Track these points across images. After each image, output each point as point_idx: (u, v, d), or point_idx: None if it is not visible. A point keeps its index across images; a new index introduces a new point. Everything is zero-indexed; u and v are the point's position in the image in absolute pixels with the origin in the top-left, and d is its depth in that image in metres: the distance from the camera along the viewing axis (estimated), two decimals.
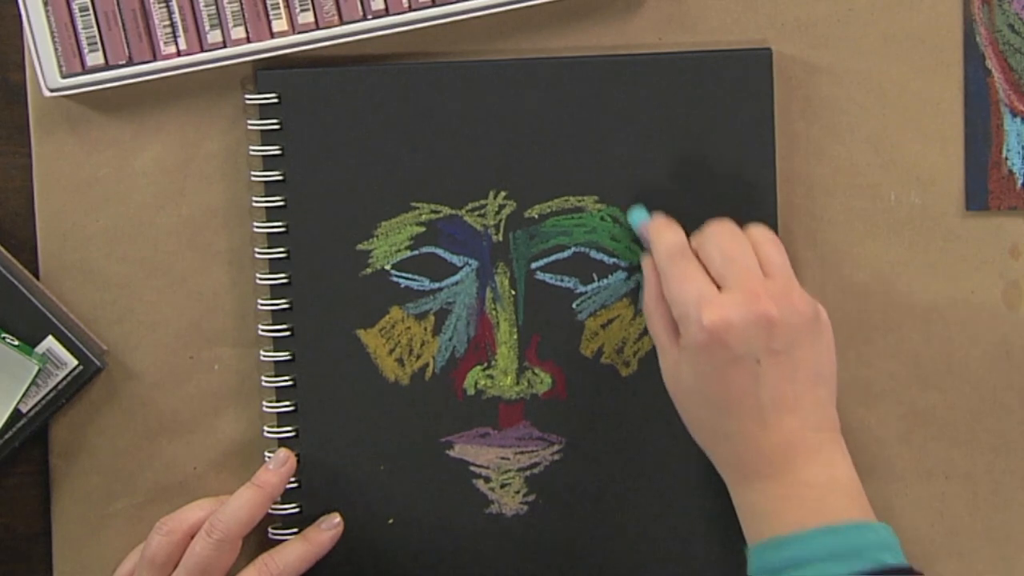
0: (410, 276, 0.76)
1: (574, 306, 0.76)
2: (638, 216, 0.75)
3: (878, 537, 0.66)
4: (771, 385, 0.67)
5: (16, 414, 0.75)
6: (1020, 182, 0.78)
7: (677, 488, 0.77)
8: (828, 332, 0.70)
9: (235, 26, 0.75)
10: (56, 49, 0.74)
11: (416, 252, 0.76)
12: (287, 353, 0.77)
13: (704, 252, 0.70)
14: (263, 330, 0.77)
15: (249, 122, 0.76)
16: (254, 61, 0.76)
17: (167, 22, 0.75)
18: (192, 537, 0.74)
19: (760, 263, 0.70)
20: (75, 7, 0.74)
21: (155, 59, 0.75)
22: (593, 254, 0.76)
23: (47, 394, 0.75)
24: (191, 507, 0.76)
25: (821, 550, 0.65)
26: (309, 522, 0.76)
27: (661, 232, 0.72)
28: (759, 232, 0.72)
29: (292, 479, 0.76)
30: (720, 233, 0.71)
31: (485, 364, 0.77)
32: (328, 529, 0.76)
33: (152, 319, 0.78)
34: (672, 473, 0.77)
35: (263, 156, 0.76)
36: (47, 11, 0.74)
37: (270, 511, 0.76)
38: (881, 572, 0.64)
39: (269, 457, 0.76)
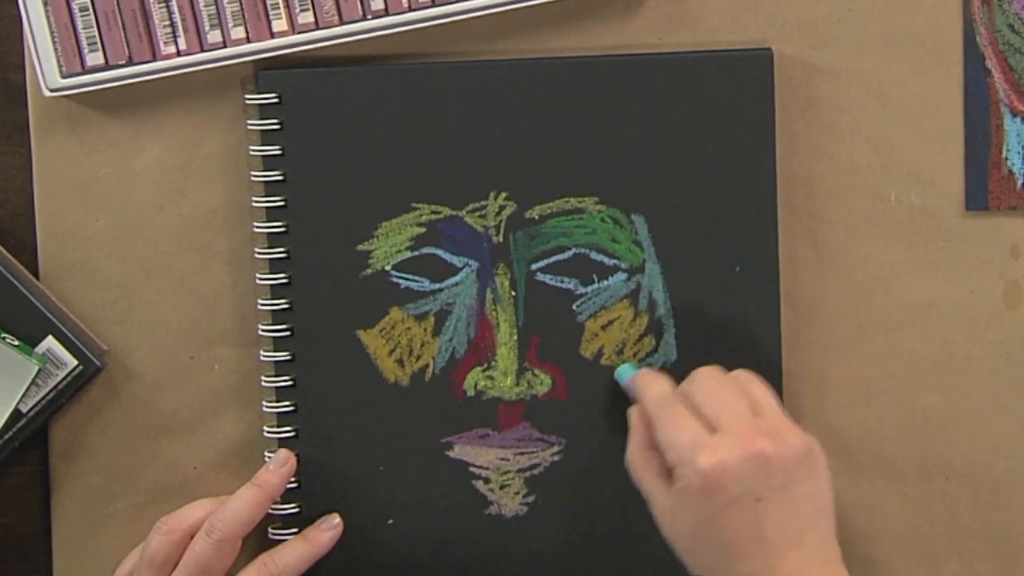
0: (410, 277, 0.76)
1: (574, 307, 0.76)
2: (626, 371, 0.76)
3: None
4: (773, 523, 0.66)
5: (16, 414, 0.75)
6: (1020, 182, 0.78)
7: None
8: (824, 465, 0.69)
9: (235, 26, 0.75)
10: (56, 49, 0.74)
11: (416, 253, 0.76)
12: (287, 353, 0.77)
13: (694, 398, 0.70)
14: (263, 330, 0.77)
15: (249, 122, 0.76)
16: (254, 61, 0.76)
17: (167, 22, 0.75)
18: (192, 537, 0.74)
19: (750, 404, 0.70)
20: (75, 7, 0.74)
21: (155, 59, 0.75)
22: (593, 255, 0.76)
23: (47, 394, 0.75)
24: (191, 507, 0.76)
25: None
26: (309, 522, 0.77)
27: (650, 382, 0.72)
28: (744, 375, 0.72)
29: (292, 479, 0.76)
30: (707, 378, 0.71)
31: (485, 365, 0.77)
32: (328, 529, 0.76)
33: (152, 319, 0.78)
34: None
35: (263, 156, 0.76)
36: (47, 11, 0.74)
37: (270, 511, 0.76)
38: None
39: (269, 457, 0.76)
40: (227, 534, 0.73)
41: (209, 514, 0.74)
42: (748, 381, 0.71)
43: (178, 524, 0.74)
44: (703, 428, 0.68)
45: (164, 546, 0.74)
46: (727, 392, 0.70)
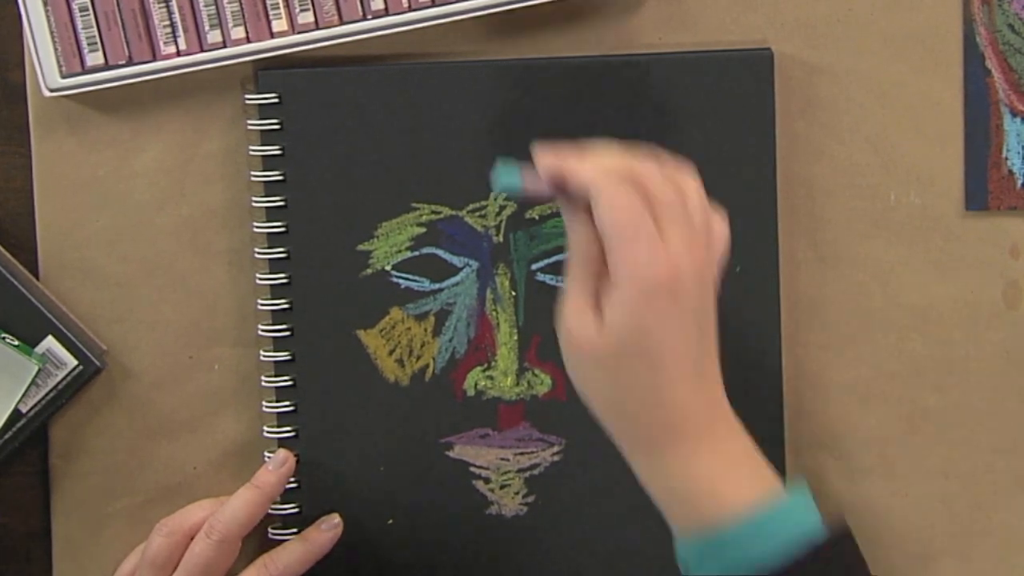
0: (410, 277, 0.76)
1: None
2: (508, 172, 0.65)
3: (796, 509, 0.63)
4: (709, 339, 0.63)
5: (16, 414, 0.75)
6: (1020, 182, 0.78)
7: None
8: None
9: (235, 26, 0.75)
10: (56, 49, 0.74)
11: (416, 253, 0.76)
12: (287, 353, 0.77)
13: (651, 189, 0.62)
14: (263, 330, 0.77)
15: (249, 122, 0.76)
16: (254, 61, 0.76)
17: (167, 22, 0.75)
18: (192, 538, 0.74)
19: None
20: (75, 7, 0.74)
21: (155, 59, 0.75)
22: None
23: (47, 394, 0.75)
24: (191, 508, 0.76)
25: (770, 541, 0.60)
26: (309, 522, 0.77)
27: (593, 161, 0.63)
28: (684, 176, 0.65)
29: (292, 479, 0.76)
30: (660, 174, 0.63)
31: (485, 365, 0.77)
32: (328, 530, 0.76)
33: (152, 319, 0.78)
34: None
35: (263, 156, 0.76)
36: (47, 11, 0.74)
37: (270, 511, 0.76)
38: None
39: (269, 457, 0.76)
40: (226, 535, 0.73)
41: (209, 515, 0.74)
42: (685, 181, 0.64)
43: (178, 526, 0.74)
44: (656, 231, 0.61)
45: (165, 547, 0.74)
46: (678, 201, 0.62)
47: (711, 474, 0.62)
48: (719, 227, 0.65)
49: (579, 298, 0.62)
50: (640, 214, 0.61)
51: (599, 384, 0.63)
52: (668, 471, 0.63)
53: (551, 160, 0.63)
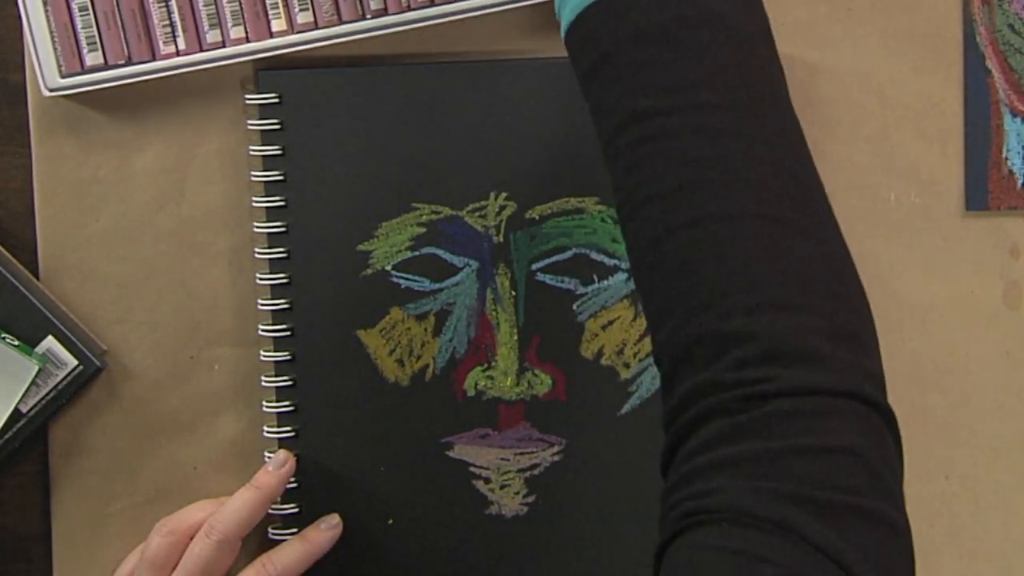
0: (410, 277, 0.76)
1: (574, 307, 0.76)
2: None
3: None
4: None
5: (16, 414, 0.75)
6: (1020, 182, 0.78)
7: None
8: None
9: (234, 26, 0.75)
10: (56, 49, 0.74)
11: (417, 253, 0.76)
12: (287, 353, 0.77)
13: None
14: (263, 330, 0.77)
15: (249, 122, 0.76)
16: (254, 61, 0.76)
17: (166, 22, 0.75)
18: (192, 538, 0.74)
19: None
20: (75, 7, 0.74)
21: (154, 59, 0.75)
22: (593, 255, 0.76)
23: (47, 394, 0.75)
24: (191, 508, 0.76)
25: None
26: (309, 522, 0.77)
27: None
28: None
29: (292, 479, 0.76)
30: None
31: (485, 365, 0.77)
32: (327, 530, 0.76)
33: (152, 319, 0.78)
34: None
35: (263, 156, 0.76)
36: (47, 11, 0.74)
37: (270, 511, 0.76)
38: None
39: (269, 457, 0.76)
40: (226, 535, 0.73)
41: (209, 515, 0.74)
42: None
43: (178, 525, 0.74)
44: None
45: (164, 547, 0.74)
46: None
47: None
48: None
49: None
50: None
51: None
52: None
53: None
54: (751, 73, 0.59)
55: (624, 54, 0.59)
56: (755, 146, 0.57)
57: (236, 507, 0.74)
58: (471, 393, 0.77)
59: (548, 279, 0.76)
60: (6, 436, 0.75)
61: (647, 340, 0.76)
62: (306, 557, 0.75)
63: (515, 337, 0.77)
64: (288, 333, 0.77)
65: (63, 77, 0.74)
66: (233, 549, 0.74)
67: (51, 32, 0.74)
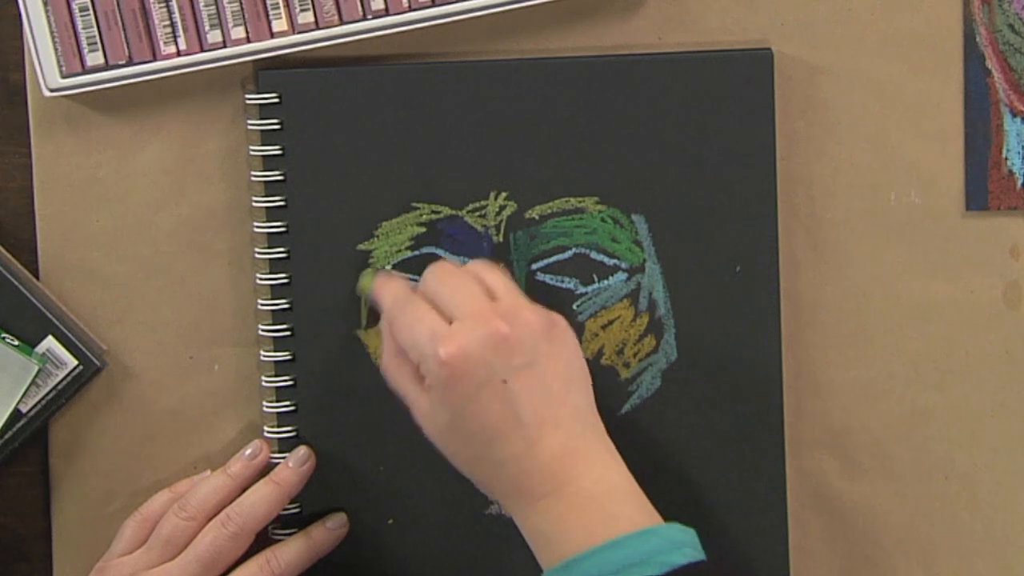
0: (411, 277, 0.76)
1: (574, 307, 0.76)
2: (367, 280, 0.75)
3: (663, 540, 0.65)
4: (525, 402, 0.67)
5: (16, 414, 0.75)
6: (1020, 182, 0.78)
7: (675, 489, 0.77)
8: (570, 338, 0.70)
9: (235, 26, 0.75)
10: (56, 49, 0.74)
11: (417, 252, 0.76)
12: (287, 353, 0.77)
13: (428, 293, 0.70)
14: (263, 330, 0.77)
15: (249, 122, 0.76)
16: (254, 61, 0.76)
17: (167, 22, 0.75)
18: (208, 522, 0.74)
19: (485, 290, 0.70)
20: (75, 7, 0.74)
21: (155, 59, 0.75)
22: (593, 255, 0.76)
23: (47, 394, 0.75)
24: (210, 491, 0.74)
25: (610, 565, 0.63)
26: (309, 522, 0.76)
27: (384, 286, 0.73)
28: (477, 264, 0.72)
29: None
30: (439, 271, 0.71)
31: None
32: (334, 528, 0.76)
33: (152, 319, 0.78)
34: (671, 474, 0.77)
35: (263, 156, 0.76)
36: (47, 11, 0.74)
37: None
38: (670, 574, 0.63)
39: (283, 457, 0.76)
40: (242, 528, 0.73)
41: (227, 499, 0.74)
42: (482, 269, 0.72)
43: (199, 511, 0.74)
44: (440, 320, 0.68)
45: (184, 530, 0.73)
46: (460, 282, 0.70)
47: (561, 520, 0.66)
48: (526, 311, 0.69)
49: (403, 374, 0.70)
50: (407, 303, 0.70)
51: (447, 451, 0.70)
52: (522, 520, 0.68)
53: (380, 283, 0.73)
54: None
55: None
56: None
57: (254, 500, 0.74)
58: None
59: (548, 279, 0.76)
60: (6, 436, 0.75)
61: (647, 340, 0.77)
62: (309, 555, 0.75)
63: None
64: (288, 333, 0.77)
65: (63, 77, 0.74)
66: (246, 543, 0.74)
67: (51, 32, 0.74)
